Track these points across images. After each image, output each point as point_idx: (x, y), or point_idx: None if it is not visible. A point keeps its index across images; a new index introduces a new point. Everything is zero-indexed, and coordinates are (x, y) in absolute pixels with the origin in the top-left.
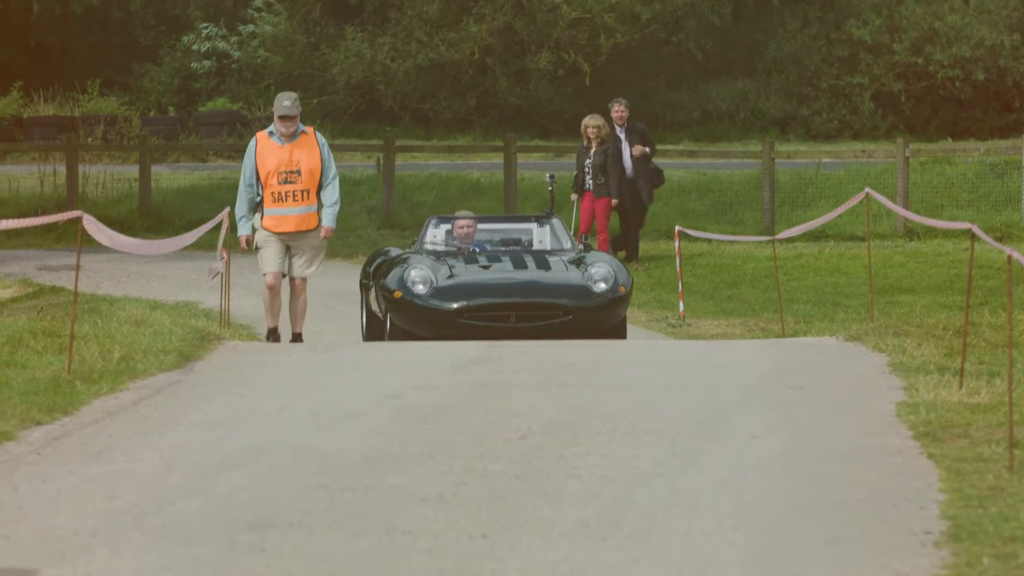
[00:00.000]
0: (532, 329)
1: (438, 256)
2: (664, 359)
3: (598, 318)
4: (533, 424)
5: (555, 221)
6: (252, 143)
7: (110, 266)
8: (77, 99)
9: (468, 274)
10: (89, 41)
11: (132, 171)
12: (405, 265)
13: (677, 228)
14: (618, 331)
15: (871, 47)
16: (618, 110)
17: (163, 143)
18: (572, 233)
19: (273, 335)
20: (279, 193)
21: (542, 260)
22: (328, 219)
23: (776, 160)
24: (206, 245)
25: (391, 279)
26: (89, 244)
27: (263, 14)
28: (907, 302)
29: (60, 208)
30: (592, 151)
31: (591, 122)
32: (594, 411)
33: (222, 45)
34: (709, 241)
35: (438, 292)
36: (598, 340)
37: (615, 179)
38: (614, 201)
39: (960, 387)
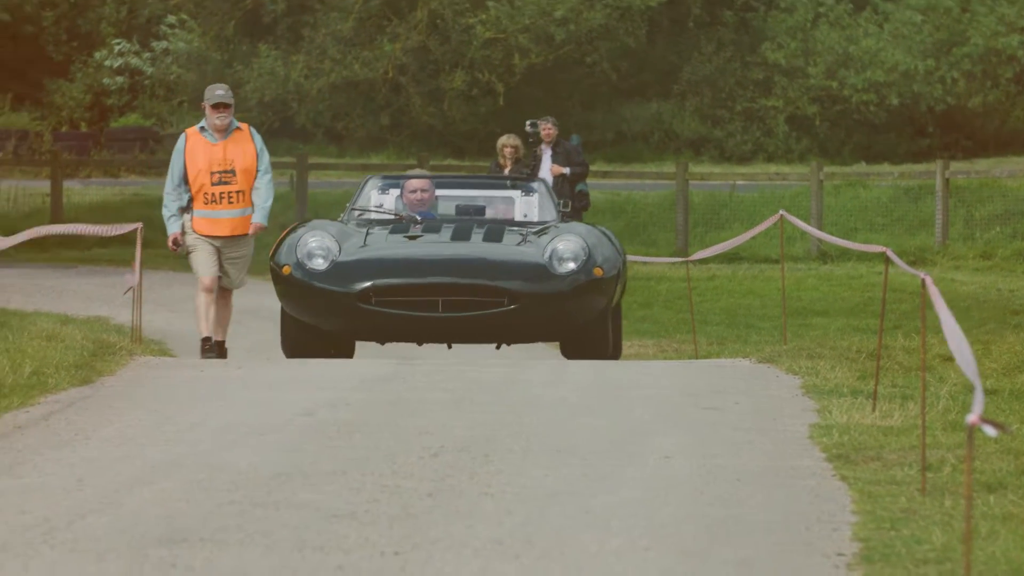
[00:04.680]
0: (464, 321)
1: (364, 224)
2: (577, 379)
3: (559, 309)
4: (446, 442)
5: (541, 187)
6: (181, 140)
7: (21, 281)
8: None
9: (385, 245)
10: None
11: (44, 186)
12: (302, 231)
13: None
14: (596, 332)
15: (786, 70)
16: (546, 128)
17: (75, 158)
18: None
19: (208, 343)
20: (212, 195)
21: (494, 231)
22: (260, 216)
23: (690, 181)
24: (118, 261)
25: (282, 251)
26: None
27: (177, 31)
28: (820, 325)
29: None
30: (507, 170)
31: (509, 142)
32: (507, 430)
33: (135, 61)
34: None
35: (337, 268)
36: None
37: None
38: None
39: (873, 410)
